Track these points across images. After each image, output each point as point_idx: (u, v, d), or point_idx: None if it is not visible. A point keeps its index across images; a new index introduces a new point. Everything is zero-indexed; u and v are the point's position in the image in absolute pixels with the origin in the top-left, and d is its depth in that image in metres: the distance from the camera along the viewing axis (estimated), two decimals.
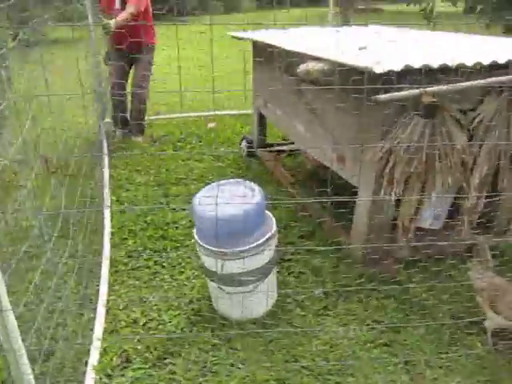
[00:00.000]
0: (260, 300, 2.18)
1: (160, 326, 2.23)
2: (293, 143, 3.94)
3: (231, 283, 2.10)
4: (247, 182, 2.20)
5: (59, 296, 2.11)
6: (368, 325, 2.25)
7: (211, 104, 5.64)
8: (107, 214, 3.15)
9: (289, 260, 2.70)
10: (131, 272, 2.64)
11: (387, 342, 2.15)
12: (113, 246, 2.86)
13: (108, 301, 2.38)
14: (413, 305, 2.37)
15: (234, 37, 3.69)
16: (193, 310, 2.33)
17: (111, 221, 3.10)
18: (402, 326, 2.23)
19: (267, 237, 2.05)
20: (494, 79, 2.06)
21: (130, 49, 3.85)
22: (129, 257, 2.78)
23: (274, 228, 2.14)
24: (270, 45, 3.02)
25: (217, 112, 5.57)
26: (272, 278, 2.25)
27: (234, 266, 2.02)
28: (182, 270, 2.65)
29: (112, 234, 2.98)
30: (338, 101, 2.52)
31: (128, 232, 3.02)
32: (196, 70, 7.14)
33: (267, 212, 2.22)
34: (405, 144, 2.17)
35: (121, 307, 2.35)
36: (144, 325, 2.24)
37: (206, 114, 5.45)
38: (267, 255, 2.09)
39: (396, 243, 2.56)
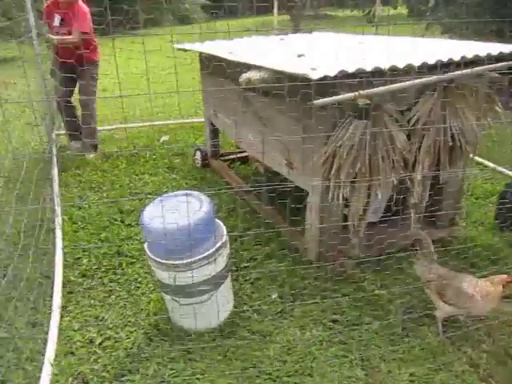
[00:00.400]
0: (216, 309, 2.19)
1: (117, 344, 2.21)
2: (245, 151, 3.98)
3: (185, 294, 2.10)
4: (196, 192, 2.21)
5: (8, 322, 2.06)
6: (324, 325, 2.30)
7: (165, 114, 5.65)
8: (58, 233, 3.08)
9: (245, 267, 2.72)
10: (86, 291, 2.60)
11: (343, 340, 2.20)
12: (66, 266, 2.80)
13: (62, 322, 2.33)
14: (367, 301, 2.44)
15: (180, 49, 3.70)
16: (150, 324, 2.31)
17: (63, 240, 3.03)
18: (357, 323, 2.30)
19: (217, 246, 2.07)
20: (423, 80, 2.16)
21: (72, 65, 3.80)
22: (83, 276, 2.73)
23: (225, 237, 2.16)
24: (215, 56, 3.06)
25: (171, 121, 5.58)
26: (227, 287, 2.27)
27: (186, 278, 2.02)
28: (139, 285, 2.63)
29: (65, 253, 2.91)
30: (283, 107, 2.57)
31: (82, 251, 2.97)
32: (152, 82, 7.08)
33: (217, 221, 2.24)
34: (346, 146, 2.23)
35: (76, 328, 2.31)
36: (100, 344, 2.21)
37: (159, 123, 5.49)
38: (219, 264, 2.11)
39: (348, 242, 2.63)
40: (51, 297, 2.47)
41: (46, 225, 2.82)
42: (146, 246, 2.15)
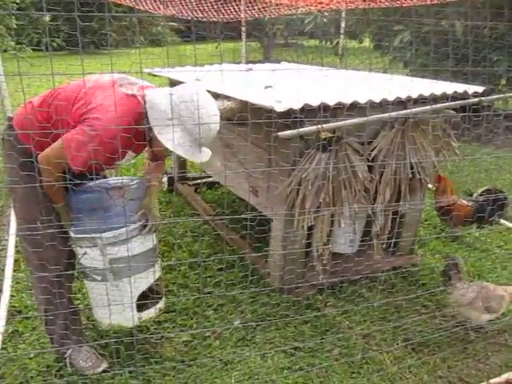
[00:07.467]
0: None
1: (75, 370, 2.15)
2: (211, 176, 4.02)
3: (120, 274, 2.01)
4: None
5: None
6: (285, 352, 2.31)
7: None
8: (10, 260, 2.99)
9: (208, 293, 2.72)
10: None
11: (304, 367, 2.22)
12: (24, 291, 2.73)
13: (17, 350, 2.27)
14: (328, 328, 2.48)
15: (149, 74, 3.73)
16: (111, 352, 2.26)
17: (23, 263, 2.96)
18: (317, 350, 2.33)
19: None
20: (383, 115, 2.27)
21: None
22: None
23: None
24: (183, 82, 3.10)
25: None
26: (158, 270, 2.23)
27: (120, 250, 1.97)
28: None
29: (25, 277, 2.84)
30: (250, 136, 2.64)
31: None
32: None
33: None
34: (311, 177, 2.30)
35: (32, 355, 2.24)
36: (58, 371, 2.15)
37: None
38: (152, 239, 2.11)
39: (312, 270, 2.68)
40: None
41: None
42: (72, 231, 2.02)
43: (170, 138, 1.77)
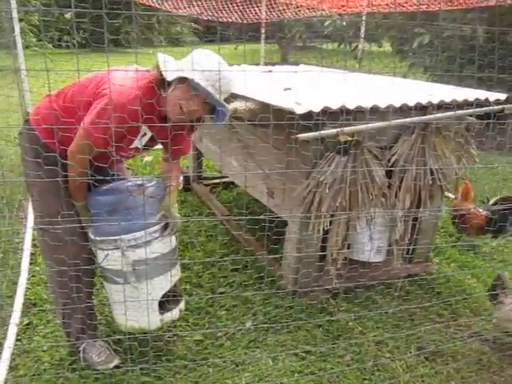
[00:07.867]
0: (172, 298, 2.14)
1: (88, 365, 2.16)
2: (227, 177, 4.02)
3: (142, 276, 1.98)
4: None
5: None
6: (297, 355, 2.30)
7: None
8: (26, 253, 3.02)
9: (221, 293, 2.72)
10: None
11: (315, 372, 2.21)
12: (40, 283, 2.76)
13: (31, 342, 2.29)
14: (340, 333, 2.46)
15: None
16: (125, 348, 2.27)
17: (39, 257, 3.00)
18: (329, 354, 2.31)
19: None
20: (405, 119, 2.24)
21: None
22: None
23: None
24: None
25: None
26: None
27: (142, 252, 1.93)
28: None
29: (40, 270, 2.88)
30: (268, 138, 2.63)
31: None
32: None
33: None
34: (329, 181, 2.29)
35: (45, 348, 2.26)
36: (70, 365, 2.17)
37: None
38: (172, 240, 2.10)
39: (326, 274, 2.66)
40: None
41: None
42: (91, 232, 2.01)
43: (191, 74, 1.76)
